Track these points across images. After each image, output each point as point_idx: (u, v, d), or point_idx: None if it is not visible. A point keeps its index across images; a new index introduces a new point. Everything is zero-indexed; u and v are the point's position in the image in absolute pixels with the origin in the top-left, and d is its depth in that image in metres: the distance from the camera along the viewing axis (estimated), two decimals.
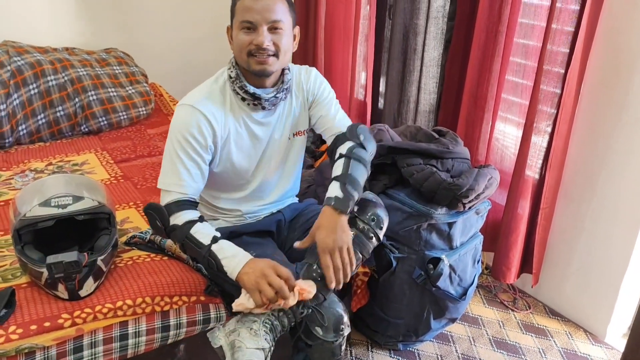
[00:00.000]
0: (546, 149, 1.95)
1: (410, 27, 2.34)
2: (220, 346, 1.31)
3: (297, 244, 1.40)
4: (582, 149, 1.95)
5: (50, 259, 1.33)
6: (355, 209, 1.44)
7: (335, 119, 1.56)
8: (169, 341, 1.47)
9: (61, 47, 2.72)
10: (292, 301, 1.31)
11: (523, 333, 2.07)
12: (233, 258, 1.33)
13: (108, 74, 2.65)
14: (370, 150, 1.51)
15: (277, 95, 1.47)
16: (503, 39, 1.98)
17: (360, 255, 1.43)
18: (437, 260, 1.70)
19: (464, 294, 1.81)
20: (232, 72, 1.46)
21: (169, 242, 1.63)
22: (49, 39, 2.73)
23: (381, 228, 1.46)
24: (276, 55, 1.40)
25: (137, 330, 1.41)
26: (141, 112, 2.71)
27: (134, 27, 3.03)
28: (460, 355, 1.94)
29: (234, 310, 1.35)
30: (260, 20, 1.37)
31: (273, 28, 1.38)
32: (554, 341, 2.03)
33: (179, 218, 1.38)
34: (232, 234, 1.54)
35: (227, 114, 1.45)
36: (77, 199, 1.42)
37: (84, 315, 1.35)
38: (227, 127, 1.45)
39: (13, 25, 2.65)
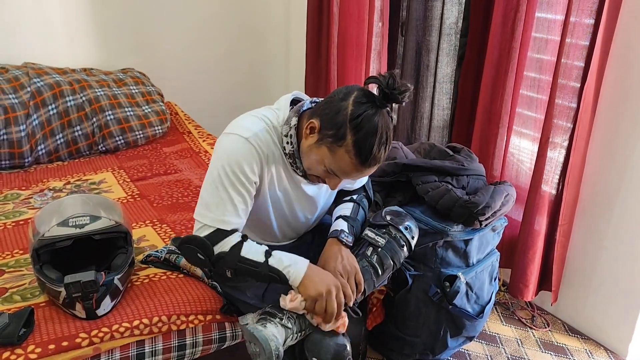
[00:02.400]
0: (563, 164, 1.93)
1: (423, 44, 2.35)
2: (247, 324, 1.30)
3: None
4: (600, 165, 1.93)
5: (68, 278, 1.34)
6: (389, 218, 1.52)
7: (354, 185, 1.62)
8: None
9: (79, 68, 2.77)
10: (330, 327, 1.33)
11: (542, 351, 2.03)
12: (294, 265, 1.32)
13: (125, 93, 2.69)
14: (370, 200, 1.66)
15: None
16: (517, 54, 1.98)
17: (392, 262, 1.49)
18: (453, 278, 1.69)
19: (481, 312, 1.79)
20: (288, 144, 1.35)
21: (183, 260, 1.64)
22: (68, 60, 2.79)
23: (413, 238, 1.53)
24: None
25: (153, 349, 1.41)
26: (157, 131, 2.74)
27: (150, 48, 3.08)
28: None
29: (286, 307, 1.32)
30: (347, 179, 1.34)
31: None
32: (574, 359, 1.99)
33: (225, 245, 1.32)
34: None
35: (275, 165, 1.39)
36: (94, 218, 1.44)
37: (101, 334, 1.36)
38: (274, 179, 1.40)
39: (33, 47, 2.72)
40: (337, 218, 1.54)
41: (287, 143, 1.34)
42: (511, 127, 2.10)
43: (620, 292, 1.96)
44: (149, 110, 2.73)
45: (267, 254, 1.33)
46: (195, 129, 2.90)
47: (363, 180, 1.65)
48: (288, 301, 1.32)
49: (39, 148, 2.43)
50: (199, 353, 1.48)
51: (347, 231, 1.48)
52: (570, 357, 2.00)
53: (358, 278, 1.42)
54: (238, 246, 1.33)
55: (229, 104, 3.41)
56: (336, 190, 1.60)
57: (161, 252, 1.69)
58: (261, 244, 1.40)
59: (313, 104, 1.39)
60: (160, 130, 2.76)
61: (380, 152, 1.24)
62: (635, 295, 1.92)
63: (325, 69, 3.04)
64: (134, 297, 1.50)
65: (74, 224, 1.41)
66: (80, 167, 2.45)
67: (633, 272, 1.91)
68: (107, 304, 1.41)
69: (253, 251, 1.33)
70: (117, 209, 1.54)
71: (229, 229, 1.34)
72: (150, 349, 1.41)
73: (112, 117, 2.59)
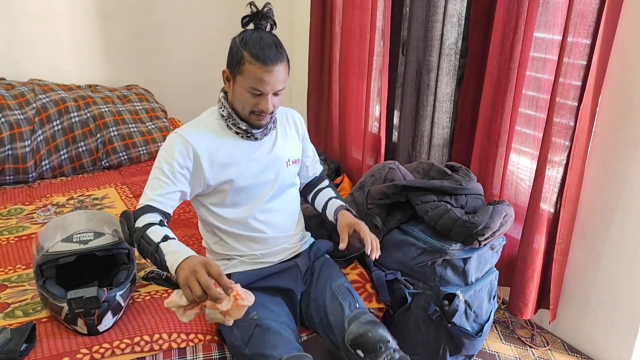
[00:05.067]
0: (561, 182, 1.95)
1: (423, 64, 2.39)
2: None
3: (342, 246, 1.56)
4: (597, 184, 1.95)
5: (71, 294, 1.36)
6: (362, 354, 1.44)
7: (315, 161, 1.84)
8: None
9: (84, 84, 2.81)
10: (226, 305, 1.22)
11: None
12: (175, 253, 1.32)
13: (129, 110, 2.73)
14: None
15: (268, 126, 1.59)
16: (515, 74, 2.01)
17: None
18: (452, 296, 1.70)
19: (480, 330, 1.79)
20: (223, 111, 1.56)
21: None
22: (73, 76, 2.84)
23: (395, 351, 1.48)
24: (273, 112, 1.52)
25: None
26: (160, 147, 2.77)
27: (154, 65, 3.13)
28: None
29: (165, 306, 1.26)
30: (269, 90, 1.46)
31: (276, 94, 1.49)
32: None
33: (141, 221, 1.43)
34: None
35: (219, 141, 1.54)
36: (98, 235, 1.46)
37: (102, 350, 1.37)
38: (218, 152, 1.53)
39: (39, 64, 2.76)
40: (331, 199, 1.76)
41: (222, 110, 1.56)
42: (510, 146, 2.12)
43: (619, 311, 1.97)
44: (153, 126, 2.77)
45: (165, 238, 1.38)
46: None
47: (318, 166, 1.85)
48: (167, 301, 1.25)
49: (43, 163, 2.46)
50: None
51: (344, 203, 1.73)
52: None
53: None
54: (149, 225, 1.41)
55: None
56: (296, 169, 1.71)
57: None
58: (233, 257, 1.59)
59: None
60: None
61: (273, 49, 1.43)
62: (634, 314, 1.92)
63: (327, 87, 3.08)
64: (136, 313, 1.51)
65: (78, 240, 1.43)
66: (84, 182, 2.48)
67: (631, 291, 1.92)
68: (108, 319, 1.43)
69: (156, 232, 1.39)
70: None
71: (155, 206, 1.46)
72: None
73: (115, 133, 2.62)
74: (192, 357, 1.47)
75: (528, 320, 2.26)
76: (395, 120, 2.74)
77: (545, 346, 2.15)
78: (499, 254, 1.87)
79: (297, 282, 1.61)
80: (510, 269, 2.14)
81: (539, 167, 1.98)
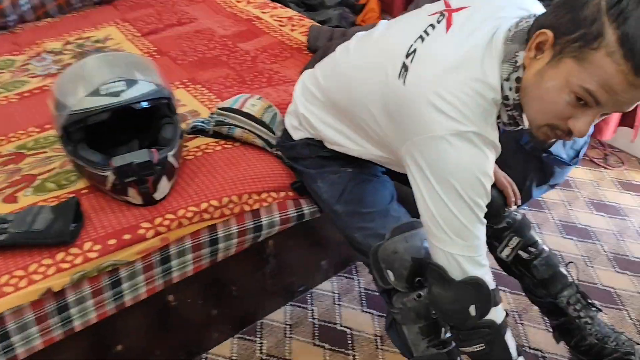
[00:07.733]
0: None
1: None
2: None
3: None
4: None
5: (118, 160, 1.09)
6: None
7: None
8: (261, 239, 1.29)
9: None
10: None
11: (620, 192, 1.88)
12: None
13: None
14: None
15: None
16: None
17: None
18: None
19: (576, 156, 1.59)
20: (511, 90, 0.90)
21: (238, 131, 1.36)
22: None
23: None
24: None
25: (227, 233, 1.22)
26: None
27: None
28: (557, 221, 1.78)
29: None
30: (610, 109, 0.85)
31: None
32: None
33: (499, 314, 1.01)
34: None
35: None
36: (130, 83, 1.13)
37: (166, 222, 1.14)
38: None
39: None
40: None
41: (510, 89, 0.90)
42: None
43: None
44: None
45: (519, 352, 1.04)
46: None
47: None
48: None
49: (20, 2, 2.01)
50: (276, 231, 1.30)
51: None
52: None
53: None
54: (504, 325, 1.02)
55: None
56: None
57: (207, 123, 1.40)
58: None
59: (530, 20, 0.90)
60: None
61: None
62: None
63: None
64: (192, 175, 1.26)
65: (107, 92, 1.11)
66: (76, 22, 2.05)
67: None
68: (164, 185, 1.18)
69: (512, 342, 1.03)
70: (153, 68, 1.24)
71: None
72: (225, 234, 1.21)
73: None
74: (267, 218, 1.26)
75: (599, 140, 2.06)
76: None
77: (620, 166, 1.98)
78: None
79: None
80: None
81: None
